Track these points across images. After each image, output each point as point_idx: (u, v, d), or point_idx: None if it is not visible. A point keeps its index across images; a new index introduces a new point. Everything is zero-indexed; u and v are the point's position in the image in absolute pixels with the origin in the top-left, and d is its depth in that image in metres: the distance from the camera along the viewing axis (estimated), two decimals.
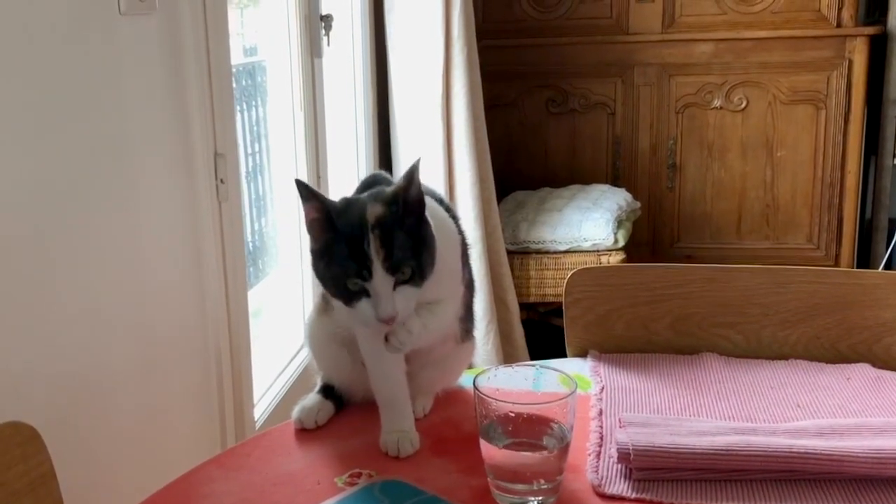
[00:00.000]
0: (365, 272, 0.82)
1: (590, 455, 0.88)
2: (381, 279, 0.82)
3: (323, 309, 0.99)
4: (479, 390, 0.81)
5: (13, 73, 1.08)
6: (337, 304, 0.89)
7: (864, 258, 3.30)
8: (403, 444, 0.90)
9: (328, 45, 2.36)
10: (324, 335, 0.99)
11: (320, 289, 0.96)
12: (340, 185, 2.54)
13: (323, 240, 0.86)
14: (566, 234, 2.75)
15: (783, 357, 1.12)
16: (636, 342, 1.15)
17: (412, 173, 0.84)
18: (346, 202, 0.87)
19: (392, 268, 0.82)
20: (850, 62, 3.09)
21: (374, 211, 0.84)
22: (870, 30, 3.09)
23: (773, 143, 3.22)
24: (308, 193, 0.86)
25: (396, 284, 0.83)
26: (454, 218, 0.96)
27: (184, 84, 1.51)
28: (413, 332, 0.86)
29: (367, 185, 0.93)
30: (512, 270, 2.77)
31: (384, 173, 0.97)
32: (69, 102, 1.19)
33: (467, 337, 1.00)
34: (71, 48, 1.20)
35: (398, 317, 0.84)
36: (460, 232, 0.96)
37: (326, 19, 2.34)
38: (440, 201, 0.95)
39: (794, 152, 3.22)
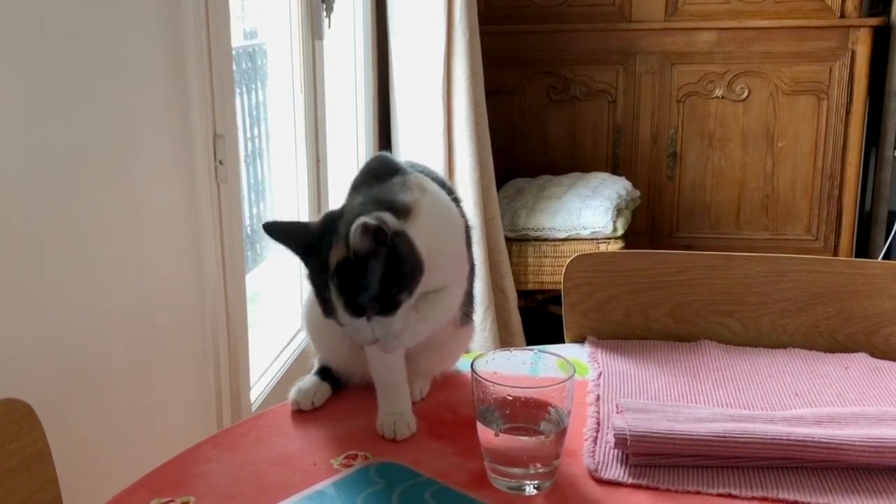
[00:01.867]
0: (332, 314, 0.84)
1: (587, 440, 0.88)
2: (349, 319, 0.83)
3: None
4: (476, 374, 0.81)
5: (8, 53, 1.07)
6: None
7: (863, 250, 3.30)
8: (400, 427, 0.90)
9: (329, 27, 2.35)
10: (322, 318, 0.99)
11: None
12: (340, 169, 2.53)
13: (306, 272, 0.87)
14: (565, 222, 2.75)
15: (782, 346, 1.12)
16: (635, 329, 1.15)
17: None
18: (318, 236, 0.85)
19: (355, 311, 0.83)
20: (853, 53, 3.08)
21: (335, 255, 0.82)
22: (873, 21, 3.07)
23: (774, 134, 3.22)
24: (278, 239, 0.88)
25: (369, 317, 0.83)
26: (456, 201, 0.95)
27: (183, 63, 1.50)
28: (403, 338, 0.86)
29: (371, 168, 0.93)
30: (510, 257, 2.77)
31: (388, 155, 0.96)
32: (67, 81, 1.18)
33: (466, 321, 1.00)
34: (69, 27, 1.19)
35: (382, 340, 0.84)
36: (463, 215, 0.95)
37: (328, 1, 2.32)
38: (442, 184, 0.94)
39: (795, 143, 3.21)
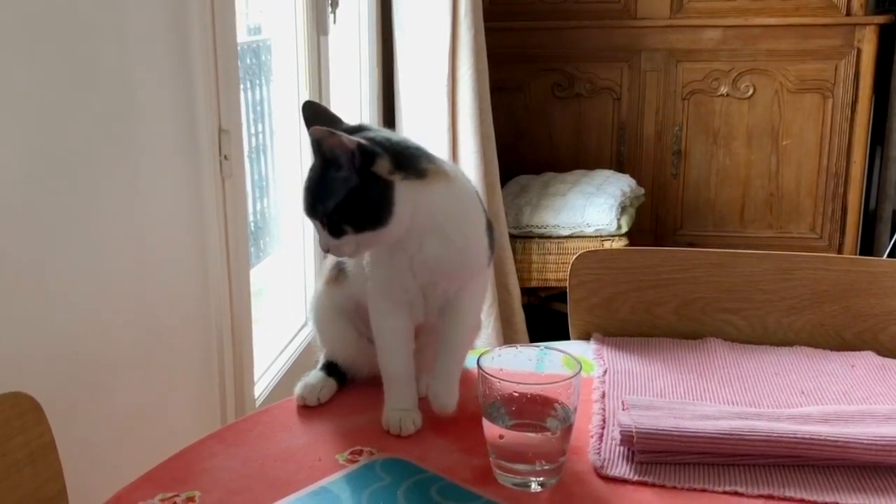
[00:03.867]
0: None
1: (592, 437, 0.88)
2: (305, 214, 0.86)
3: (334, 279, 0.99)
4: (483, 370, 0.81)
5: (12, 49, 1.07)
6: (353, 273, 0.93)
7: (867, 248, 3.29)
8: (405, 423, 0.90)
9: (334, 23, 2.34)
10: (330, 309, 0.99)
11: (330, 263, 0.97)
12: None
13: None
14: (569, 219, 2.74)
15: (788, 344, 1.12)
16: (640, 326, 1.15)
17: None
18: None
19: (308, 210, 0.85)
20: (859, 51, 3.07)
21: (319, 154, 0.84)
22: (879, 19, 3.06)
23: (778, 132, 3.21)
24: (308, 119, 0.88)
25: (323, 226, 0.85)
26: (481, 202, 0.95)
27: (189, 59, 1.50)
28: (451, 394, 0.90)
29: None
30: (514, 254, 2.76)
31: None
32: (72, 77, 1.18)
33: None
34: (75, 21, 1.19)
35: (334, 254, 0.87)
36: (485, 211, 0.95)
37: None
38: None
39: (800, 141, 3.20)
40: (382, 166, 0.83)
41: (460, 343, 0.93)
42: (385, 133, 0.89)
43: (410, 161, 0.85)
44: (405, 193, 0.84)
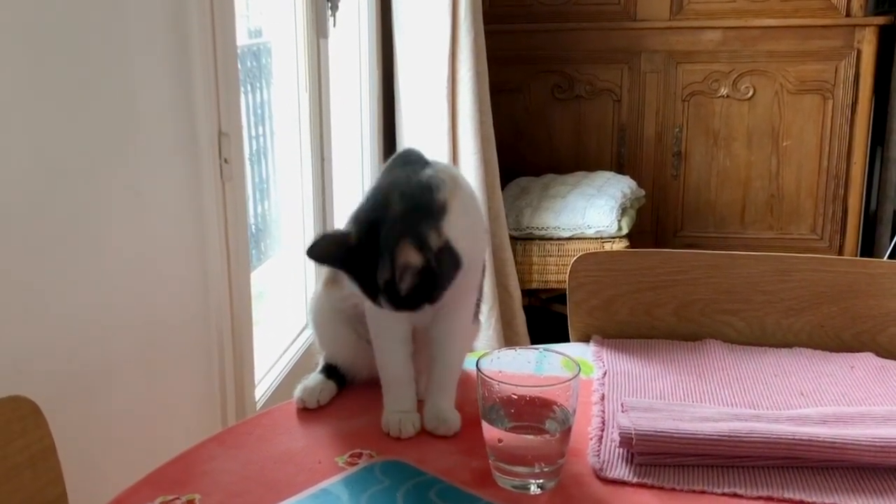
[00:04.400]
0: (382, 307, 0.87)
1: (591, 439, 0.88)
2: (399, 314, 0.88)
3: (332, 280, 0.99)
4: (482, 372, 0.81)
5: (12, 52, 1.07)
6: None
7: (868, 250, 3.29)
8: (405, 425, 0.90)
9: (334, 25, 2.35)
10: (329, 312, 0.99)
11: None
12: (345, 168, 2.53)
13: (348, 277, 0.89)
14: (570, 221, 2.74)
15: (787, 345, 1.12)
16: (639, 328, 1.15)
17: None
18: (358, 245, 0.86)
19: (409, 307, 0.86)
20: (859, 52, 3.07)
21: (382, 274, 0.83)
22: (879, 20, 3.06)
23: (779, 133, 3.21)
24: (325, 263, 0.91)
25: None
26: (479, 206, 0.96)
27: (189, 62, 1.50)
28: (451, 414, 0.92)
29: (402, 161, 0.93)
30: (514, 256, 2.76)
31: (417, 150, 0.96)
32: (73, 81, 1.18)
33: (473, 320, 1.00)
34: (75, 25, 1.19)
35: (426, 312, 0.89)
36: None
37: None
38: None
39: (800, 142, 3.20)
40: (434, 241, 0.84)
41: (453, 360, 0.94)
42: (387, 193, 0.89)
43: (432, 207, 0.86)
44: (450, 230, 0.85)
